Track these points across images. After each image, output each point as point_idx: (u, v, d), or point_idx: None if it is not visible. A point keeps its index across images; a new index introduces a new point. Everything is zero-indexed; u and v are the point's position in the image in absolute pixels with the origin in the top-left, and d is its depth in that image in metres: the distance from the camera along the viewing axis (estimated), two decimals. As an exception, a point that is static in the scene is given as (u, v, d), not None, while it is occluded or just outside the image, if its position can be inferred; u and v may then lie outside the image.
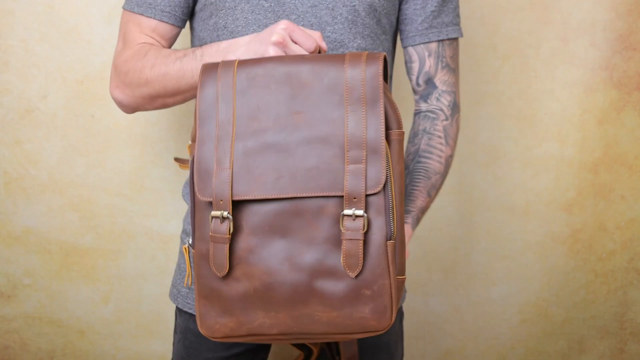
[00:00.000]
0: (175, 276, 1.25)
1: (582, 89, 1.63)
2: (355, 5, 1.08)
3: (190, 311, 1.20)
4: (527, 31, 1.60)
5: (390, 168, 0.84)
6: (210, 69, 0.90)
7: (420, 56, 1.17)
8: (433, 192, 1.13)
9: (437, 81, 1.17)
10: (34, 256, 1.61)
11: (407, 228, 1.07)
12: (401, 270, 0.86)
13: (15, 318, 1.65)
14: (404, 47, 1.19)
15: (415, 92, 1.20)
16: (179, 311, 1.25)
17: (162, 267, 1.63)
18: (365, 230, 0.82)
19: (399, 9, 1.16)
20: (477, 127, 1.65)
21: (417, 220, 1.10)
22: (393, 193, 0.84)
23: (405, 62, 1.20)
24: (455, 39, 1.19)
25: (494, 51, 1.61)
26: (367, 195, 0.82)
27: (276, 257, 0.84)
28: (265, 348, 1.22)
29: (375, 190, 0.83)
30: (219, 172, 0.85)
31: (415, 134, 1.17)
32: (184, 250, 0.94)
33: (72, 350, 1.68)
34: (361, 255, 0.82)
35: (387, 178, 0.83)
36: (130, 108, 1.15)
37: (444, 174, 1.15)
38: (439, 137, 1.15)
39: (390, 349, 1.23)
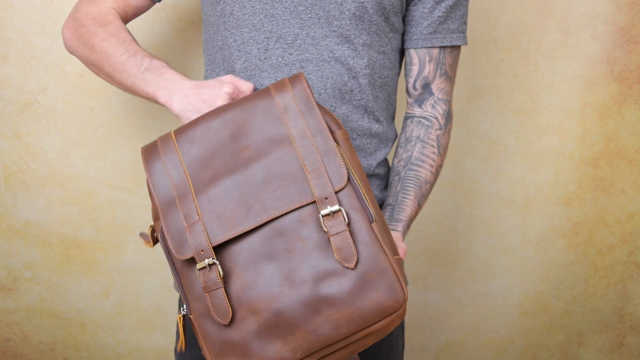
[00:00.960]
0: None
1: (583, 83, 1.63)
2: (363, 2, 1.07)
3: None
4: (527, 24, 1.59)
5: (347, 162, 0.87)
6: (150, 149, 0.93)
7: (420, 60, 1.16)
8: (422, 201, 1.13)
9: (434, 88, 1.16)
10: (35, 249, 1.61)
11: (398, 236, 1.07)
12: (394, 250, 0.87)
13: (16, 311, 1.66)
14: (406, 48, 1.18)
15: (409, 94, 1.19)
16: (181, 300, 1.26)
17: (163, 261, 1.63)
18: (347, 222, 0.83)
19: (407, 9, 1.15)
20: (478, 120, 1.65)
21: (407, 229, 1.10)
22: (359, 182, 0.87)
23: (405, 64, 1.19)
24: (458, 47, 1.18)
25: (495, 44, 1.61)
26: (336, 192, 0.85)
27: (274, 282, 0.84)
28: None
29: (342, 185, 0.85)
30: (190, 227, 0.86)
31: (407, 139, 1.16)
32: (178, 320, 0.92)
33: (73, 342, 1.69)
34: (352, 245, 0.83)
35: (348, 171, 0.86)
36: (70, 52, 1.18)
37: (433, 184, 1.15)
38: (432, 146, 1.15)
39: (391, 342, 1.23)
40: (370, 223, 0.85)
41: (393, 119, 1.21)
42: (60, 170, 1.56)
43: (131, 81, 1.06)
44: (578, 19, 1.59)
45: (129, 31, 1.13)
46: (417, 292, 1.77)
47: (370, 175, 1.15)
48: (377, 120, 1.14)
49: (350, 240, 0.83)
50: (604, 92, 1.63)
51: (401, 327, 1.28)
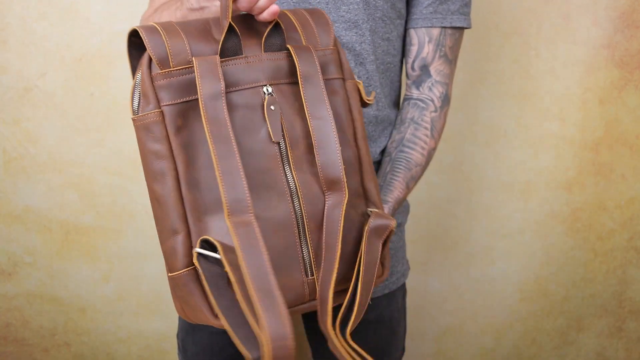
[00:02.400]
0: None
1: (584, 68, 1.62)
2: None
3: None
4: (528, 9, 1.59)
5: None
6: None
7: (420, 40, 1.13)
8: (411, 184, 1.10)
9: (432, 70, 1.13)
10: (35, 235, 1.61)
11: None
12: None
13: (16, 296, 1.66)
14: (407, 29, 1.15)
15: (408, 76, 1.16)
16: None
17: (163, 246, 1.64)
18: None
19: None
20: (478, 105, 1.65)
21: (393, 211, 1.06)
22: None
23: (405, 44, 1.17)
24: (460, 29, 1.15)
25: (496, 29, 1.60)
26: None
27: None
28: None
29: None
30: None
31: (402, 121, 1.14)
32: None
33: (74, 327, 1.69)
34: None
35: None
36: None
37: (424, 167, 1.12)
38: (425, 128, 1.12)
39: (393, 325, 1.23)
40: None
41: (397, 105, 1.20)
42: (59, 156, 1.56)
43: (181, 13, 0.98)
44: (579, 3, 1.58)
45: None
46: (416, 277, 1.77)
47: (374, 162, 1.14)
48: (384, 107, 1.13)
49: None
50: (605, 77, 1.63)
51: (403, 310, 1.28)
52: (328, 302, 0.75)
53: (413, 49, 1.14)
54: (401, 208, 1.24)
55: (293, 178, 0.81)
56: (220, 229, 0.76)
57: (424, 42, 1.13)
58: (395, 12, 1.10)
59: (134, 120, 0.78)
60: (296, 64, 0.82)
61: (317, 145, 0.80)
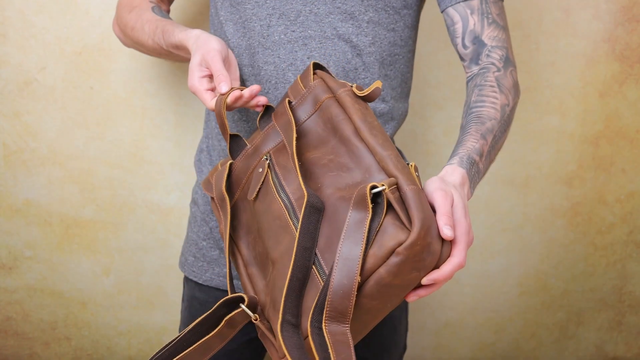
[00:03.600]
0: (184, 245, 1.27)
1: (584, 61, 1.62)
2: None
3: (195, 279, 1.22)
4: (529, 2, 1.58)
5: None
6: None
7: (462, 15, 1.06)
8: (489, 136, 0.94)
9: (485, 38, 1.04)
10: (35, 228, 1.61)
11: (450, 170, 0.88)
12: None
13: (16, 290, 1.66)
14: (443, 11, 1.08)
15: (463, 58, 1.07)
16: (186, 280, 1.27)
17: (163, 240, 1.64)
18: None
19: None
20: (478, 99, 1.64)
21: (469, 162, 0.89)
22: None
23: (447, 28, 1.09)
24: None
25: (496, 23, 1.60)
26: None
27: None
28: None
29: None
30: None
31: (467, 95, 1.04)
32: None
33: (74, 321, 1.70)
34: None
35: None
36: (125, 45, 1.25)
37: (500, 121, 0.97)
38: (491, 86, 1.00)
39: (394, 322, 1.23)
40: None
41: (407, 97, 1.17)
42: (60, 149, 1.56)
43: (165, 57, 1.13)
44: (579, -3, 1.58)
45: (153, 9, 1.16)
46: (416, 271, 1.77)
47: None
48: (383, 100, 1.10)
49: None
50: (605, 71, 1.63)
51: (405, 308, 1.28)
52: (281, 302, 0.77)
53: (458, 27, 1.07)
54: None
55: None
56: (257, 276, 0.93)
57: (467, 16, 1.06)
58: (400, 1, 1.08)
59: None
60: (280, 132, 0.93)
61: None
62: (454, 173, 0.86)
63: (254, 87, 0.94)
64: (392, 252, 0.72)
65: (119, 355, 1.73)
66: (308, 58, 1.05)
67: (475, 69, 1.05)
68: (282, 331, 0.73)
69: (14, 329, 1.70)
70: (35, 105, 1.53)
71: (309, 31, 1.05)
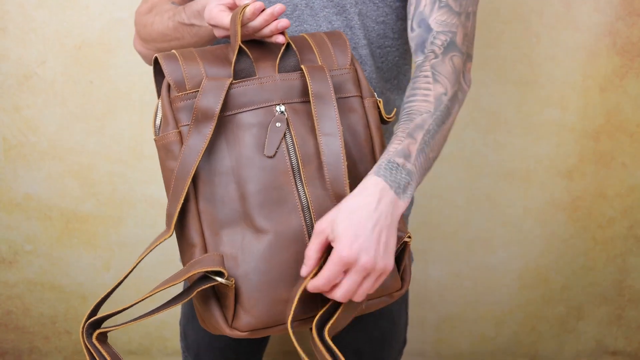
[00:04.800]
0: None
1: (585, 55, 1.62)
2: None
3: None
4: (529, -4, 1.58)
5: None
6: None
7: None
8: (419, 133, 0.87)
9: (432, 22, 0.96)
10: (35, 223, 1.61)
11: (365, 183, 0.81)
12: None
13: (17, 284, 1.66)
14: None
15: (410, 45, 1.00)
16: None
17: (163, 234, 1.64)
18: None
19: None
20: (479, 92, 1.64)
21: (389, 167, 0.82)
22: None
23: (406, 8, 1.03)
24: None
25: (496, 15, 1.59)
26: None
27: None
28: None
29: None
30: None
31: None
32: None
33: (74, 315, 1.70)
34: None
35: None
36: (148, 60, 1.14)
37: (435, 113, 0.89)
38: (425, 76, 0.92)
39: (393, 317, 1.22)
40: None
41: (404, 89, 1.14)
42: (60, 143, 1.56)
43: (187, 40, 1.02)
44: (580, -10, 1.58)
45: (172, 2, 1.08)
46: (417, 265, 1.77)
47: None
48: (382, 93, 1.09)
49: None
50: (606, 64, 1.62)
51: (405, 302, 1.28)
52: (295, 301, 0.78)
53: (411, 9, 1.00)
54: None
55: (305, 193, 0.84)
56: (234, 241, 0.82)
57: None
58: None
59: (155, 140, 0.84)
60: (308, 83, 0.85)
61: (325, 161, 0.82)
62: (364, 189, 0.80)
63: (278, 6, 0.84)
64: None
65: (120, 349, 1.73)
66: None
67: (420, 58, 0.97)
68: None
69: (15, 323, 1.70)
70: (35, 99, 1.53)
71: (305, 25, 1.04)
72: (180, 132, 0.83)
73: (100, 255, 1.65)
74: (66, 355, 1.76)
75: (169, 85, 0.84)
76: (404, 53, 1.12)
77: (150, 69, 1.52)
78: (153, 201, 1.61)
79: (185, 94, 0.83)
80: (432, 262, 1.78)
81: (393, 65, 1.10)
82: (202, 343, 1.23)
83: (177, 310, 1.68)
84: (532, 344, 1.86)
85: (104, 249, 1.64)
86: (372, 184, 0.79)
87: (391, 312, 1.21)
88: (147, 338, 1.73)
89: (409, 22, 1.00)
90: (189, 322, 1.27)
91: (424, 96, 0.91)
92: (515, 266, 1.78)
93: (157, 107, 0.86)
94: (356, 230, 0.75)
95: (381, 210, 0.78)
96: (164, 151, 0.83)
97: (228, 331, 0.82)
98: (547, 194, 1.72)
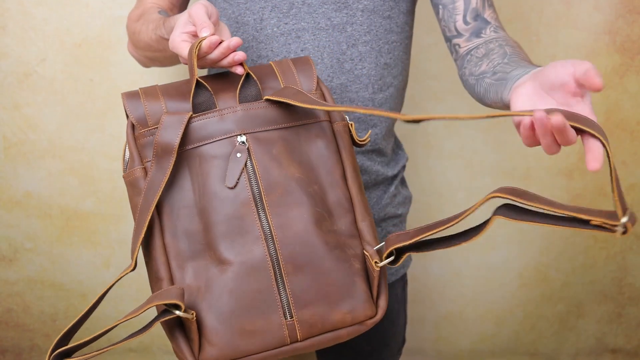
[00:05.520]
0: None
1: (585, 53, 1.62)
2: None
3: None
4: (529, -6, 1.58)
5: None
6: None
7: None
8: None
9: (488, 17, 1.06)
10: (35, 220, 1.61)
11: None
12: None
13: (17, 282, 1.66)
14: None
15: (461, 33, 1.07)
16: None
17: (163, 232, 1.64)
18: None
19: None
20: (478, 91, 1.64)
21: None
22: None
23: (441, 8, 1.09)
24: None
25: (496, 15, 1.59)
26: None
27: None
28: None
29: None
30: None
31: (479, 58, 1.03)
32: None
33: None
34: None
35: None
36: (142, 64, 1.17)
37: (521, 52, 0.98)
38: (516, 44, 1.01)
39: (392, 316, 1.23)
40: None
41: (405, 86, 1.17)
42: (60, 141, 1.56)
43: (170, 53, 1.02)
44: (580, -12, 1.58)
45: (160, 12, 1.09)
46: (417, 263, 1.77)
47: (372, 151, 1.12)
48: (380, 90, 1.09)
49: None
50: (606, 63, 1.62)
51: (404, 301, 1.28)
52: None
53: (459, 4, 1.06)
54: (402, 199, 1.22)
55: (268, 222, 0.83)
56: (199, 273, 0.82)
57: None
58: None
59: (123, 177, 0.86)
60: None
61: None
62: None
63: (234, 39, 0.85)
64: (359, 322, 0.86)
65: (120, 347, 1.73)
66: (302, 50, 1.05)
67: (477, 40, 1.05)
68: None
69: (15, 320, 1.70)
70: (35, 97, 1.53)
71: (302, 23, 1.04)
72: (145, 168, 0.85)
73: (101, 253, 1.65)
74: (66, 353, 1.77)
75: (132, 124, 0.87)
76: (406, 47, 1.13)
77: (150, 69, 1.52)
78: (153, 199, 1.61)
79: (147, 130, 0.86)
80: (431, 260, 1.78)
81: (399, 60, 1.11)
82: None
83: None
84: (532, 342, 1.86)
85: (104, 246, 1.65)
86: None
87: (389, 312, 1.21)
88: (147, 336, 1.73)
89: (460, 17, 1.06)
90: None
91: (512, 47, 0.99)
92: (515, 264, 1.78)
93: (125, 143, 0.89)
94: None
95: None
96: (131, 187, 0.85)
97: None
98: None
